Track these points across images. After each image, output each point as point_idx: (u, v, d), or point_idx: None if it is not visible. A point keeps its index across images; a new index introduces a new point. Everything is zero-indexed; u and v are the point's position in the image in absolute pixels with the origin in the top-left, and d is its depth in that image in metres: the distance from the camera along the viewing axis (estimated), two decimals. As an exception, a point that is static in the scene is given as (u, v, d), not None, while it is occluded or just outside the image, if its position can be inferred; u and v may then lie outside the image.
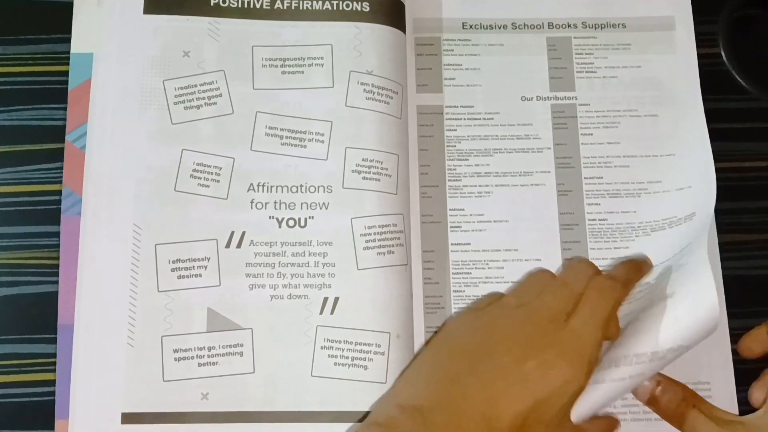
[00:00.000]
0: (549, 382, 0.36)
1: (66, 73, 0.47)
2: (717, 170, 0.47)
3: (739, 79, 0.49)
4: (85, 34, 0.47)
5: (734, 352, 0.45)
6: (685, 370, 0.44)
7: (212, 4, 0.48)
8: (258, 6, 0.48)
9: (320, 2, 0.48)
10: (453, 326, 0.41)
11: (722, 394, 0.44)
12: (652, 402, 0.42)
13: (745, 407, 0.43)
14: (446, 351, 0.39)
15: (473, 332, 0.39)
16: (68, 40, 0.47)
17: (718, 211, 0.47)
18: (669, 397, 0.42)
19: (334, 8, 0.48)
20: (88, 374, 0.43)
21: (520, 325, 0.38)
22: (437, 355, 0.39)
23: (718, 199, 0.47)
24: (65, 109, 0.47)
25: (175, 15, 0.47)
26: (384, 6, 0.48)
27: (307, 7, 0.48)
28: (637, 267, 0.43)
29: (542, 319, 0.38)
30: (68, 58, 0.47)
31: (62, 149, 0.46)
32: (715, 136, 0.48)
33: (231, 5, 0.48)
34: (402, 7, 0.48)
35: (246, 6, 0.48)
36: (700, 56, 0.49)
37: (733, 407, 0.44)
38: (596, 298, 0.39)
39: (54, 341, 0.44)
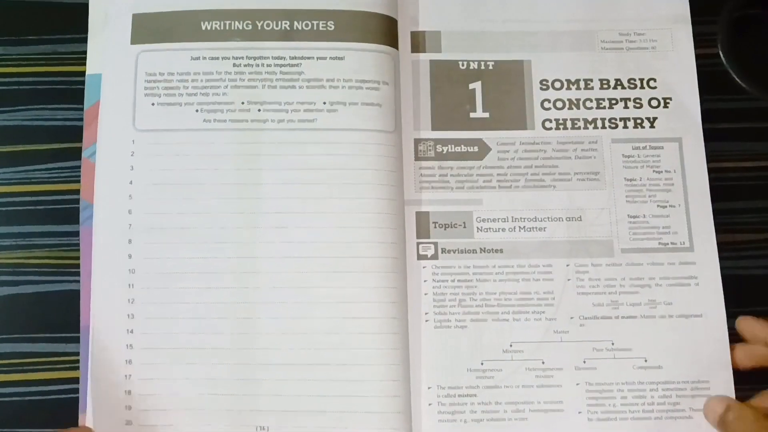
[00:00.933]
0: None
1: (66, 74, 0.48)
2: (717, 170, 0.48)
3: (738, 79, 0.49)
4: (97, 55, 0.47)
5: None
6: (684, 369, 0.44)
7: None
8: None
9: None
10: None
11: (720, 393, 0.44)
12: (720, 426, 0.42)
13: (744, 407, 0.43)
14: None
15: None
16: (68, 41, 0.49)
17: (718, 211, 0.47)
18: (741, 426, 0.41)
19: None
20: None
21: None
22: None
23: (718, 199, 0.47)
24: (65, 109, 0.48)
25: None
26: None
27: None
28: None
29: None
30: (68, 58, 0.48)
31: (64, 150, 0.47)
32: (714, 136, 0.48)
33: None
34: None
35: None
36: (699, 56, 0.49)
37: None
38: None
39: (69, 340, 0.45)
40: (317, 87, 0.47)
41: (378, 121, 0.46)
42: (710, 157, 0.48)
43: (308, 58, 0.47)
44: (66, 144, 0.47)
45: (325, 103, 0.46)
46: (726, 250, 0.46)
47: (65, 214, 0.46)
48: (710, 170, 0.47)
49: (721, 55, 0.50)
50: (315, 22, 0.47)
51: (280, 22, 0.47)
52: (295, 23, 0.47)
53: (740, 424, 0.41)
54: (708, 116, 0.48)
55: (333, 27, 0.47)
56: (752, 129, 0.49)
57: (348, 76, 0.47)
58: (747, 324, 0.44)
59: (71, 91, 0.48)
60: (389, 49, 0.48)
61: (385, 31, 0.48)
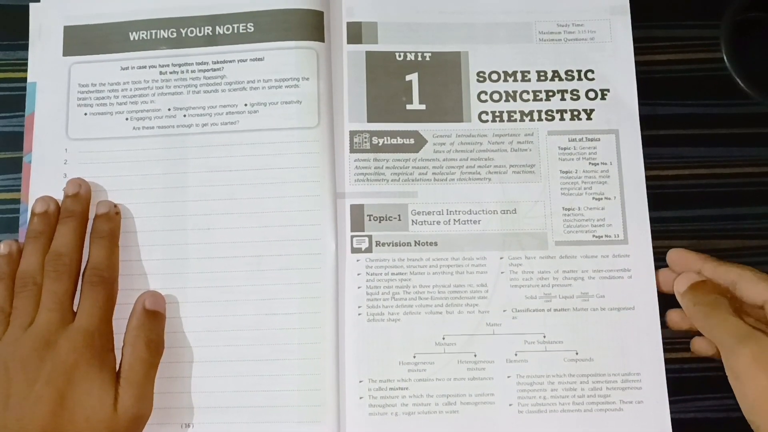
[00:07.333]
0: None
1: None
2: (719, 176, 0.48)
3: (741, 83, 0.49)
4: (37, 64, 0.48)
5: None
6: (615, 362, 0.44)
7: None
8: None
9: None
10: None
11: (651, 388, 0.44)
12: (697, 287, 0.41)
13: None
14: None
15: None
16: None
17: (720, 217, 0.47)
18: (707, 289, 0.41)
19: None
20: None
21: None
22: None
23: (720, 204, 0.47)
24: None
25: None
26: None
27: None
28: None
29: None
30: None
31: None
32: (717, 141, 0.48)
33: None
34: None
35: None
36: (702, 60, 0.49)
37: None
38: (88, 290, 0.42)
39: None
40: (239, 89, 0.47)
41: (298, 119, 0.46)
42: (712, 163, 0.48)
43: (230, 61, 0.47)
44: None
45: (246, 104, 0.47)
46: (729, 256, 0.46)
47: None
48: (711, 176, 0.48)
49: (725, 59, 0.49)
50: (236, 26, 0.48)
51: (203, 28, 0.48)
52: (217, 28, 0.48)
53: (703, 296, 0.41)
54: (712, 121, 0.48)
55: (253, 29, 0.47)
56: (756, 134, 0.49)
57: (268, 77, 0.47)
58: (678, 254, 0.44)
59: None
60: (312, 44, 0.47)
61: (308, 25, 0.47)
